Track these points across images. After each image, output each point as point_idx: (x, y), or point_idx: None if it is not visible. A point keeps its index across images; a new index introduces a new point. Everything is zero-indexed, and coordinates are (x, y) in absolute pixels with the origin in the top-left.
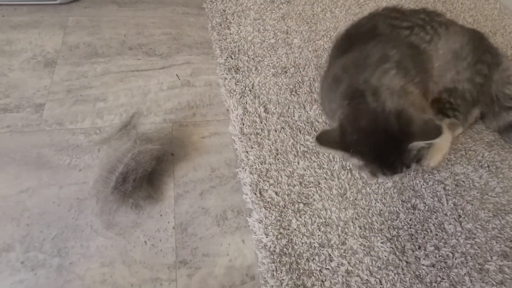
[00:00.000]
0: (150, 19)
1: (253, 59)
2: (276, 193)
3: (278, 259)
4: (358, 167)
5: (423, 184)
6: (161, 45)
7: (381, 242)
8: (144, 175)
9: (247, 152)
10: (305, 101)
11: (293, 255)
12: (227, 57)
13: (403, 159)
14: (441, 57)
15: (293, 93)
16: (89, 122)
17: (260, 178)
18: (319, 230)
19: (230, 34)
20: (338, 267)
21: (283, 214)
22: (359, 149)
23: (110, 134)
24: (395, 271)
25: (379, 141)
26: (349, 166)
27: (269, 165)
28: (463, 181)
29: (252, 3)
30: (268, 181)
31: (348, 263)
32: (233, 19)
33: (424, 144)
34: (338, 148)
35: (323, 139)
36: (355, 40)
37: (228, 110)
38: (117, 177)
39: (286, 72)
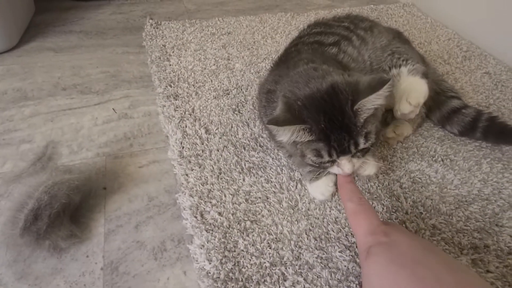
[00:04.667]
0: (87, 60)
1: (193, 85)
2: (220, 213)
3: (223, 286)
4: (302, 148)
5: (378, 185)
6: (98, 83)
7: (339, 252)
8: (64, 211)
9: (186, 175)
10: (248, 119)
11: (240, 279)
12: (166, 86)
13: (351, 131)
14: (366, 59)
15: (235, 112)
16: (10, 166)
17: (201, 199)
18: (270, 248)
19: (170, 65)
20: (294, 286)
21: (227, 235)
22: (308, 120)
23: (22, 170)
24: (357, 281)
25: (326, 108)
26: (298, 177)
27: (211, 185)
28: (419, 178)
29: (192, 37)
30: (210, 202)
31: (305, 279)
32: (172, 52)
33: (372, 105)
34: (296, 122)
35: (278, 120)
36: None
37: (167, 136)
38: (27, 215)
39: (228, 94)
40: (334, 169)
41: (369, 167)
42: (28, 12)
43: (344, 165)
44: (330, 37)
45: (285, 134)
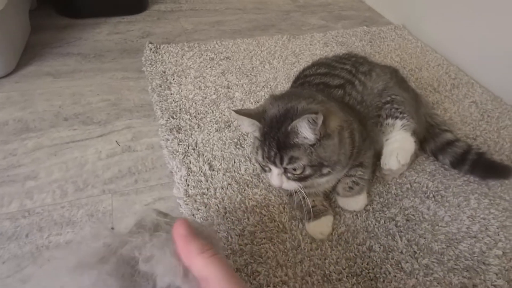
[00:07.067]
0: (87, 87)
1: (195, 117)
2: (227, 256)
3: None
4: (255, 142)
5: (375, 224)
6: (99, 112)
7: None
8: None
9: (193, 215)
10: (250, 154)
11: None
12: (169, 118)
13: (279, 147)
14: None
15: (237, 146)
16: (16, 205)
17: None
18: None
19: (171, 94)
20: None
21: None
22: (261, 120)
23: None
24: None
25: (274, 120)
26: (299, 216)
27: (218, 226)
28: (412, 215)
29: (192, 62)
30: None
31: None
32: (173, 79)
33: (300, 130)
34: (250, 116)
35: (241, 111)
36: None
37: (172, 172)
38: None
39: (230, 126)
40: (269, 178)
41: (353, 202)
42: (25, 33)
43: (272, 176)
44: (335, 79)
45: (241, 119)
